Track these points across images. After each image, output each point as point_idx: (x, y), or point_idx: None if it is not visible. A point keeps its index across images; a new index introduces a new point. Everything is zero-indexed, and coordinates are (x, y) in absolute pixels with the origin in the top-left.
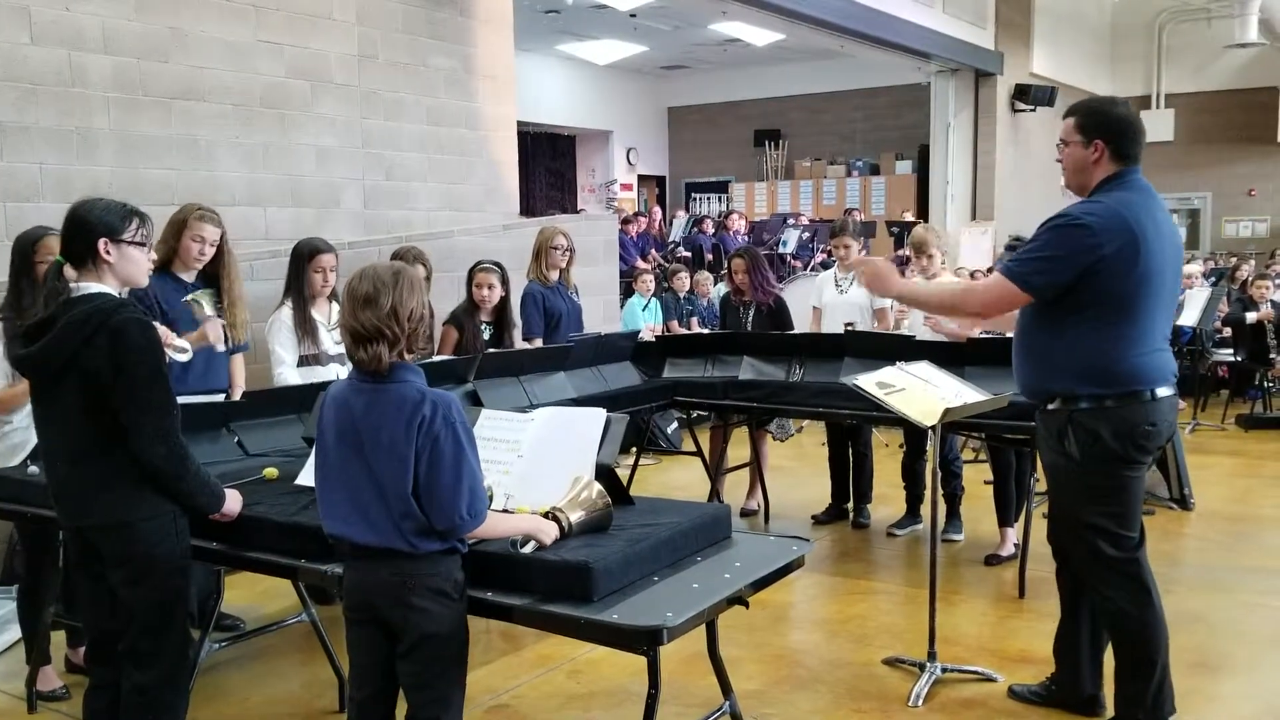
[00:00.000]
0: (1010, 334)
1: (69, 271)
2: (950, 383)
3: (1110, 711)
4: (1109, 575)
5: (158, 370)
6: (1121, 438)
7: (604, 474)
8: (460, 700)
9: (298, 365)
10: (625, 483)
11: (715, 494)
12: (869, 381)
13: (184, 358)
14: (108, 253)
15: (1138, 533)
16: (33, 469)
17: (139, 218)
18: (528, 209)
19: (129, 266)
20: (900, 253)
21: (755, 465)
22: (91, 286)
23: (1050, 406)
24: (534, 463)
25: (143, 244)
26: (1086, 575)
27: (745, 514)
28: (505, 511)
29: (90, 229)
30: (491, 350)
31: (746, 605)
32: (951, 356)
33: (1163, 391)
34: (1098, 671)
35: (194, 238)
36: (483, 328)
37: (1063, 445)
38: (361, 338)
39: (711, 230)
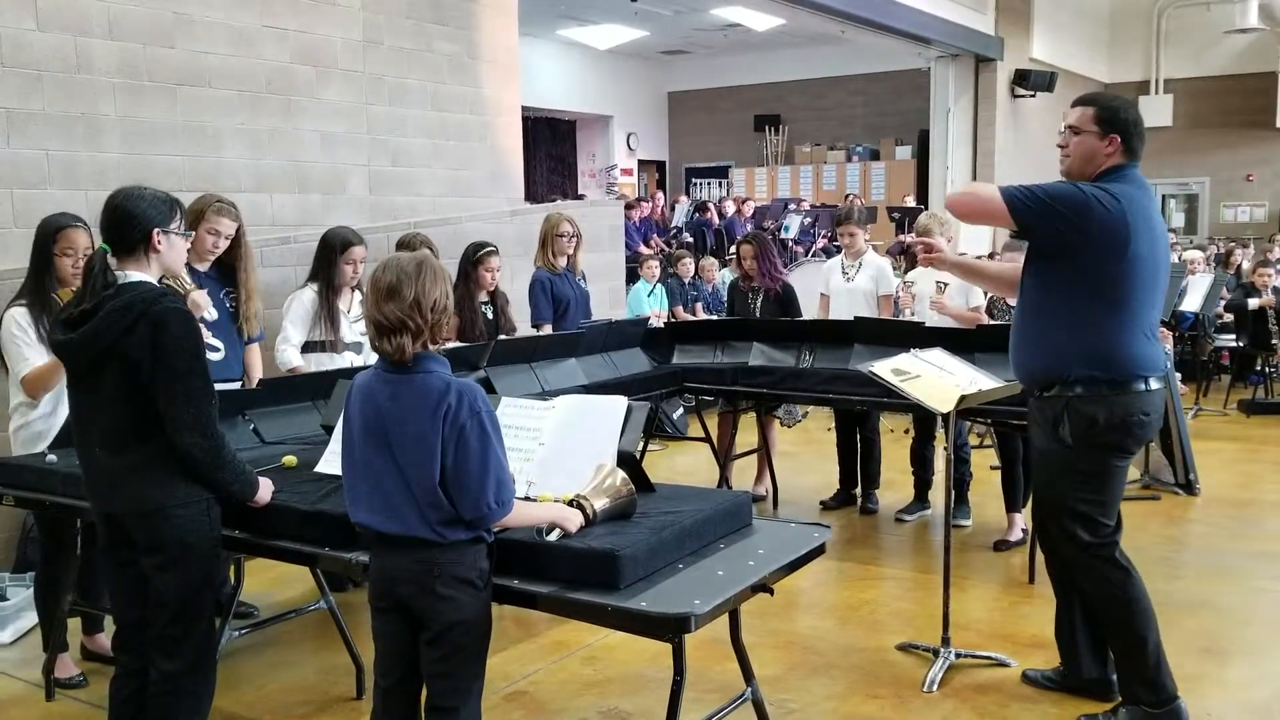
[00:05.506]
0: None
1: (111, 260)
2: (965, 370)
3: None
4: (1086, 560)
5: (197, 360)
6: (1116, 426)
7: (626, 461)
8: (480, 690)
9: (312, 350)
10: None
11: (724, 480)
12: (884, 368)
13: (216, 356)
14: (159, 243)
15: (1115, 521)
16: (50, 458)
17: (180, 207)
18: (529, 194)
19: (174, 255)
20: (901, 238)
21: (764, 451)
22: (133, 275)
23: (1047, 393)
24: (556, 450)
25: (184, 234)
26: (1064, 561)
27: (754, 499)
28: (528, 499)
29: (144, 220)
30: (503, 337)
31: (771, 593)
32: (960, 343)
33: (1154, 384)
34: (1100, 654)
35: (210, 230)
36: (482, 308)
37: (1056, 431)
38: (385, 329)
39: (716, 216)
